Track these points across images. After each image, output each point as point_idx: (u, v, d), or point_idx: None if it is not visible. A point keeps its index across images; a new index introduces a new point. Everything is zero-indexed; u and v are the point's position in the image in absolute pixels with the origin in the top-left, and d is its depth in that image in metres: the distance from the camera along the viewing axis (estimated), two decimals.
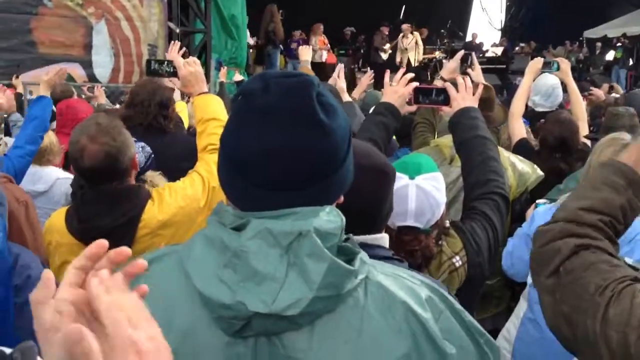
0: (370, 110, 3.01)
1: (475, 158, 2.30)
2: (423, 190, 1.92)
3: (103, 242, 0.80)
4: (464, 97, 2.48)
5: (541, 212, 2.77)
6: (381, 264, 1.14)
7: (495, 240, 2.14)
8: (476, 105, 2.49)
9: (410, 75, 2.62)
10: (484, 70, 10.47)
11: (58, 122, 5.16)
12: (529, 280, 2.50)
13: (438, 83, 3.85)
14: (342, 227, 1.04)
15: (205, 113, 2.67)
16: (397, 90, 2.54)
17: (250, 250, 1.00)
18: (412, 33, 15.77)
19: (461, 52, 3.98)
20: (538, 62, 4.46)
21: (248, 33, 13.63)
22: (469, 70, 4.03)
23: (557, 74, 4.59)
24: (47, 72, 4.29)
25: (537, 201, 2.98)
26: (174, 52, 3.13)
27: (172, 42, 3.53)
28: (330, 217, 1.03)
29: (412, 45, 15.64)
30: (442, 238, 2.03)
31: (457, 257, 2.04)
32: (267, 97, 1.04)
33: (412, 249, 1.93)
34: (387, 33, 16.19)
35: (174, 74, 3.06)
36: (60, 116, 5.18)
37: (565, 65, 4.49)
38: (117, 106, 6.39)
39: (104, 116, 2.41)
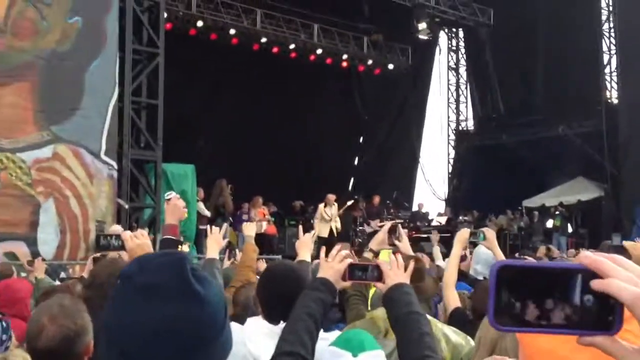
0: None
1: (411, 334, 2.35)
2: None
3: None
4: (396, 274, 2.57)
5: None
6: None
7: None
8: (408, 282, 2.60)
9: (346, 252, 2.73)
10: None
11: None
12: None
13: (367, 254, 3.99)
14: None
15: None
16: (333, 266, 2.61)
17: None
18: (334, 203, 15.99)
19: (389, 224, 4.15)
20: (465, 232, 4.67)
21: (203, 206, 13.88)
22: (396, 241, 4.17)
23: (484, 243, 4.78)
24: None
25: None
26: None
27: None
28: None
29: (335, 215, 15.77)
30: None
31: None
32: (143, 277, 1.11)
33: None
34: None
35: (122, 247, 3.16)
36: None
37: (491, 234, 4.70)
38: (57, 282, 6.30)
39: (69, 298, 2.44)
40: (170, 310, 1.08)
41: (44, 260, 7.50)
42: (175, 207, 3.37)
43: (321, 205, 15.48)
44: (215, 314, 1.13)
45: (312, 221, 16.82)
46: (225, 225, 4.45)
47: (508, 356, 2.80)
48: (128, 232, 3.05)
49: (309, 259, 3.75)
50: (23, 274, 6.98)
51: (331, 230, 15.41)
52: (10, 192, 9.77)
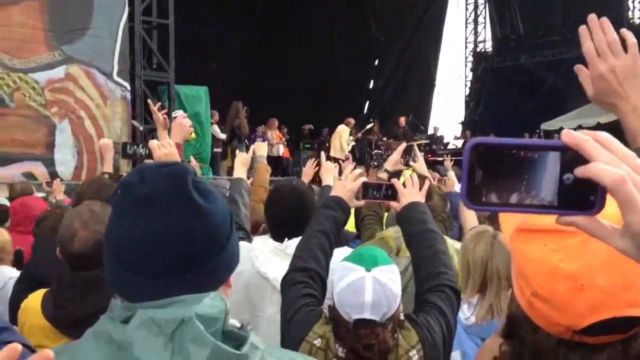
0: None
1: (425, 251, 2.35)
2: (380, 283, 1.94)
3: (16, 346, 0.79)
4: (411, 192, 2.56)
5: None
6: (277, 349, 1.14)
7: (449, 333, 2.15)
8: (423, 200, 2.57)
9: (359, 170, 2.69)
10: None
11: (12, 220, 5.10)
12: None
13: (382, 175, 3.96)
14: (225, 311, 1.05)
15: None
16: (346, 185, 2.59)
17: (134, 340, 1.00)
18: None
19: (403, 145, 4.09)
20: None
21: (218, 129, 13.86)
22: (411, 162, 4.13)
23: None
24: None
25: None
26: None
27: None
28: (214, 302, 1.04)
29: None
30: (397, 331, 2.02)
31: (414, 351, 2.01)
32: (144, 187, 1.07)
33: (368, 342, 1.93)
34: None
35: (149, 156, 3.13)
36: (14, 215, 5.13)
37: None
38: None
39: (99, 204, 2.42)
40: (169, 222, 1.05)
41: (62, 180, 7.56)
42: (180, 126, 3.29)
43: (347, 128, 15.39)
44: (217, 227, 1.10)
45: (327, 144, 16.81)
46: (252, 146, 4.44)
47: (499, 275, 2.76)
48: (155, 141, 2.98)
49: (332, 184, 3.75)
50: (41, 194, 7.04)
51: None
52: (24, 113, 9.79)
